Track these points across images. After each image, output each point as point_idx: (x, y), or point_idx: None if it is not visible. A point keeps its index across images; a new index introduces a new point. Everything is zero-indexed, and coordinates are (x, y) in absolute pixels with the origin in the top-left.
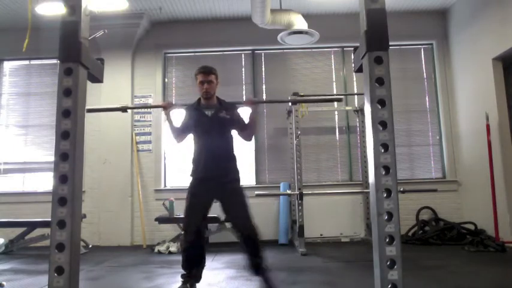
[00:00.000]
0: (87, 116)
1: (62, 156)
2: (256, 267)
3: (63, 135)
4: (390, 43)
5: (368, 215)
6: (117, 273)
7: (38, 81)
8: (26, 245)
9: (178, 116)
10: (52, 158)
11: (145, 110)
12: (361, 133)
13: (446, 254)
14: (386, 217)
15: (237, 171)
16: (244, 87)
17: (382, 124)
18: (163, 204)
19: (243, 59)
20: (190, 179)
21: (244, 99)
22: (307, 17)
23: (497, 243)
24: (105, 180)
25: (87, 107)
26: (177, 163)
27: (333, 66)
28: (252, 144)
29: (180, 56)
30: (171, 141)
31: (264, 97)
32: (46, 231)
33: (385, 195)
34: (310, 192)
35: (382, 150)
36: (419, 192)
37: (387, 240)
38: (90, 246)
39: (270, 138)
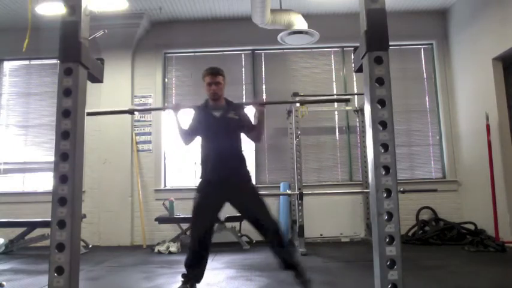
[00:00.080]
0: (87, 115)
1: (62, 156)
2: (286, 260)
3: (63, 135)
4: (390, 43)
5: (368, 215)
6: (117, 273)
7: (38, 81)
8: (26, 245)
9: (186, 117)
10: (52, 158)
11: (141, 109)
12: (361, 133)
13: (446, 254)
14: (386, 217)
15: (247, 171)
16: (244, 87)
17: (382, 124)
18: (163, 204)
19: (243, 59)
20: (199, 180)
21: (251, 100)
22: (307, 17)
23: (497, 243)
24: (105, 180)
25: (94, 110)
26: (177, 163)
27: (333, 66)
28: (252, 144)
29: (180, 56)
30: (180, 143)
31: (264, 97)
32: (46, 231)
33: (385, 195)
34: (310, 192)
35: (382, 150)
36: (419, 192)
37: (387, 240)
38: (90, 246)
39: (270, 138)
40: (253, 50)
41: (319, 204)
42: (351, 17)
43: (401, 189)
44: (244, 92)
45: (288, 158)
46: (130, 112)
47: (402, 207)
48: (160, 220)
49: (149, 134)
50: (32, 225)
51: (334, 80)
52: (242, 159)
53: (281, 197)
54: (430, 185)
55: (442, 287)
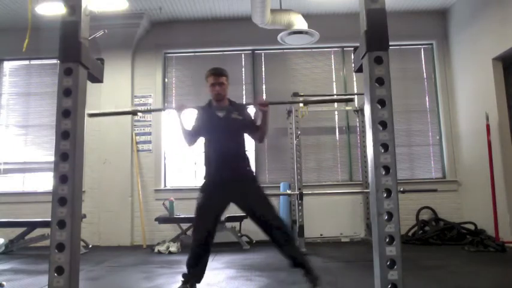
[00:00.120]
0: (90, 117)
1: (62, 156)
2: (295, 258)
3: (63, 135)
4: (390, 43)
5: (368, 215)
6: (117, 273)
7: (38, 81)
8: (26, 245)
9: (189, 118)
10: (52, 158)
11: (145, 110)
12: (361, 133)
13: (446, 254)
14: (386, 217)
15: (251, 171)
16: (244, 87)
17: (382, 124)
18: (163, 204)
19: (243, 59)
20: (203, 181)
21: (254, 100)
22: (307, 17)
23: (497, 243)
24: (105, 180)
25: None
26: (177, 163)
27: (333, 66)
28: (252, 144)
29: (180, 56)
30: (183, 144)
31: (264, 97)
32: (46, 231)
33: (385, 195)
34: (310, 192)
35: (382, 150)
36: (419, 192)
37: (387, 240)
38: (90, 246)
39: (270, 138)
40: (253, 50)
41: (319, 204)
42: (351, 17)
43: (401, 189)
44: (244, 92)
45: (288, 158)
46: (134, 113)
47: (402, 207)
48: (160, 220)
49: (149, 134)
50: (32, 225)
51: (334, 80)
52: (246, 160)
53: (281, 197)
54: (430, 185)
55: (442, 287)
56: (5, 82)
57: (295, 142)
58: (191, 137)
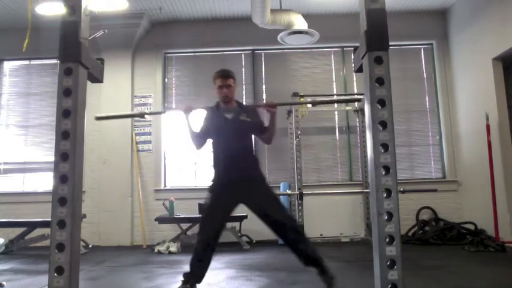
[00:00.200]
0: (87, 116)
1: (62, 156)
2: (309, 256)
3: (63, 135)
4: (390, 43)
5: (368, 215)
6: (117, 273)
7: (38, 81)
8: (26, 245)
9: (197, 119)
10: (52, 158)
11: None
12: (361, 133)
13: (446, 254)
14: (386, 217)
15: (260, 172)
16: (244, 87)
17: (382, 124)
18: (163, 204)
19: (243, 59)
20: (211, 182)
21: (262, 102)
22: (307, 17)
23: (497, 243)
24: (105, 180)
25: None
26: (177, 163)
27: (333, 66)
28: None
29: (180, 56)
30: (191, 147)
31: (264, 97)
32: (46, 231)
33: (385, 195)
34: (310, 192)
35: (382, 150)
36: (419, 192)
37: (387, 240)
38: (90, 246)
39: None
40: (253, 50)
41: (319, 204)
42: (351, 17)
43: (401, 189)
44: (244, 92)
45: (288, 158)
46: (141, 116)
47: (402, 207)
48: (160, 220)
49: (149, 134)
50: (32, 225)
51: (334, 80)
52: (255, 161)
53: (281, 197)
54: (430, 185)
55: (442, 287)
56: (5, 82)
57: (295, 142)
58: (199, 139)
